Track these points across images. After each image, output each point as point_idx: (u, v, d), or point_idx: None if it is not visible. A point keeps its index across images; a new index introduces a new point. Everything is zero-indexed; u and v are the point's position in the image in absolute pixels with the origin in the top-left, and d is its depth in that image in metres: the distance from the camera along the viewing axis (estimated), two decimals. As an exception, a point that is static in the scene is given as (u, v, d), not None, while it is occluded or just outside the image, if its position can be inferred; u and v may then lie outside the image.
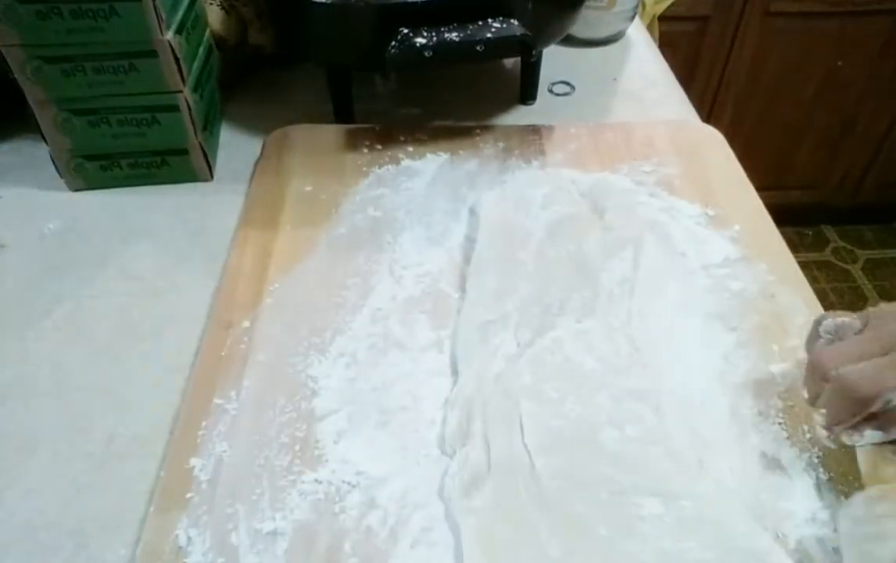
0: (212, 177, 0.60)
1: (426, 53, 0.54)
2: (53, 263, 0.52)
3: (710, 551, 0.34)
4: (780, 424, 0.41)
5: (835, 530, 0.35)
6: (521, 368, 0.42)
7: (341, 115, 0.66)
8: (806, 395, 0.37)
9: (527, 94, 0.70)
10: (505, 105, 0.70)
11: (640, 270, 0.48)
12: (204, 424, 0.40)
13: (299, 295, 0.48)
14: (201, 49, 0.60)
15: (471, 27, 0.55)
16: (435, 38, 0.54)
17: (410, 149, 0.61)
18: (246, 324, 0.46)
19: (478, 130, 0.63)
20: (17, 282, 0.51)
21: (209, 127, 0.61)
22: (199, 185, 0.60)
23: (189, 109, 0.55)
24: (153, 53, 0.51)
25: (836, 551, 0.34)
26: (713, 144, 0.63)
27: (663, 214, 0.54)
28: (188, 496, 0.37)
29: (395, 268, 0.50)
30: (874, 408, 0.33)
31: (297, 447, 0.39)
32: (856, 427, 0.34)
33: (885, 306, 0.37)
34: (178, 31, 0.53)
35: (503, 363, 0.43)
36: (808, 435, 0.40)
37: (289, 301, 0.48)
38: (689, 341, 0.45)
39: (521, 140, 0.62)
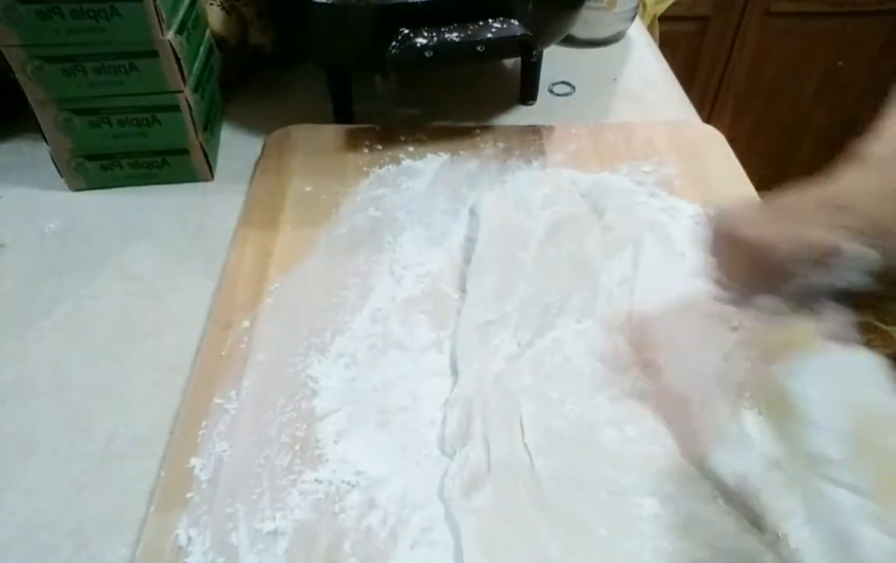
0: (212, 177, 0.60)
1: (426, 53, 0.54)
2: (53, 263, 0.52)
3: (708, 550, 0.34)
4: (780, 424, 0.40)
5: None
6: (521, 368, 0.42)
7: (341, 115, 0.66)
8: (715, 276, 0.36)
9: (527, 94, 0.70)
10: (505, 105, 0.70)
11: (640, 270, 0.48)
12: (204, 424, 0.40)
13: (299, 295, 0.48)
14: (202, 49, 0.60)
15: (471, 27, 0.55)
16: (435, 39, 0.54)
17: (411, 149, 0.61)
18: (246, 324, 0.46)
19: (478, 131, 0.63)
20: (17, 282, 0.51)
21: (210, 127, 0.61)
22: (200, 185, 0.60)
23: (190, 109, 0.55)
24: (154, 53, 0.51)
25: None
26: (713, 144, 0.63)
27: (663, 214, 0.54)
28: (188, 495, 0.37)
29: (395, 268, 0.50)
30: (774, 261, 0.33)
31: (297, 447, 0.39)
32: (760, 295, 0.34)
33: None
34: (179, 31, 0.53)
35: (503, 363, 0.43)
36: (808, 435, 0.40)
37: (289, 301, 0.48)
38: (689, 341, 0.45)
39: (522, 140, 0.62)
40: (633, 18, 0.81)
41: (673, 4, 1.11)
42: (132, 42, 0.51)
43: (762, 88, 1.60)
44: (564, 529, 0.35)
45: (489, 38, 0.55)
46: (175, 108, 0.55)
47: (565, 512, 0.35)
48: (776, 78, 1.59)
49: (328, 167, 0.59)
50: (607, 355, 0.43)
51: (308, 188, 0.57)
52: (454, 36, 0.54)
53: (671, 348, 0.45)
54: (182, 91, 0.54)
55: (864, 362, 0.31)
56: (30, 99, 0.52)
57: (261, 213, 0.55)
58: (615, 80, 0.75)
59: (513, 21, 0.56)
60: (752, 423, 0.40)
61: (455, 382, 0.43)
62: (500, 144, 0.62)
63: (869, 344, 0.33)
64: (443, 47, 0.54)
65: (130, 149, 0.57)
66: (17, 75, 0.51)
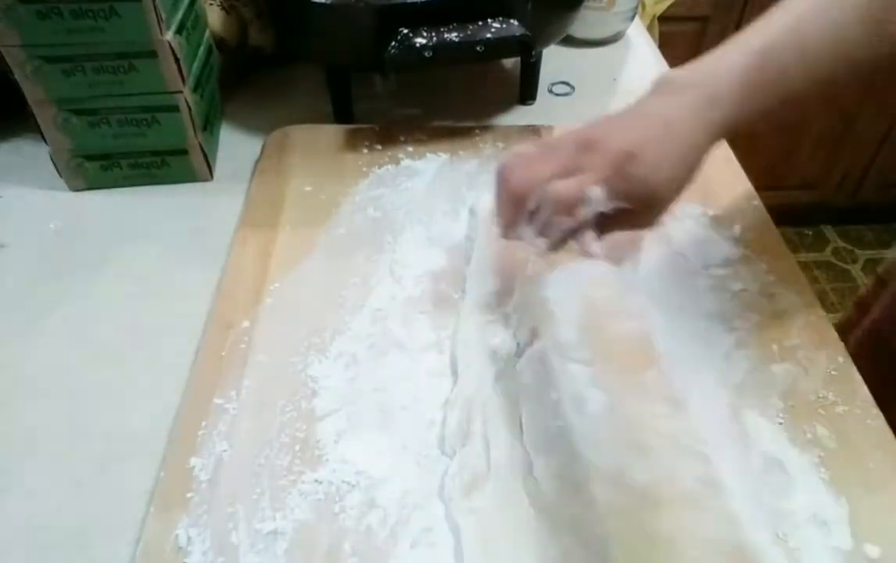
0: (212, 177, 0.60)
1: (426, 53, 0.54)
2: (53, 263, 0.52)
3: (707, 551, 0.34)
4: (780, 424, 0.41)
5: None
6: (522, 368, 0.42)
7: (341, 115, 0.66)
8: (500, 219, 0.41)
9: (526, 94, 0.70)
10: (505, 105, 0.70)
11: (641, 270, 0.48)
12: (204, 424, 0.40)
13: (299, 295, 0.48)
14: (201, 49, 0.60)
15: (471, 27, 0.55)
16: (435, 39, 0.54)
17: (410, 149, 0.61)
18: (246, 324, 0.46)
19: (477, 131, 0.63)
20: (17, 282, 0.51)
21: (209, 127, 0.61)
22: (199, 185, 0.60)
23: (189, 109, 0.55)
24: (153, 54, 0.51)
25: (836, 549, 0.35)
26: (713, 144, 0.63)
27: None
28: (188, 495, 0.37)
29: (395, 268, 0.50)
30: (530, 206, 0.39)
31: (297, 447, 0.39)
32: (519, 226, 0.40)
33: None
34: (178, 32, 0.53)
35: (503, 364, 0.43)
36: (808, 435, 0.40)
37: (289, 301, 0.48)
38: (689, 342, 0.45)
39: (521, 140, 0.62)
40: (632, 18, 0.81)
41: (673, 4, 1.11)
42: (131, 42, 0.51)
43: (762, 88, 1.60)
44: (564, 529, 0.35)
45: (488, 38, 0.55)
46: (174, 108, 0.55)
47: (565, 513, 0.35)
48: (776, 78, 1.59)
49: (328, 167, 0.59)
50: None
51: (308, 188, 0.57)
52: (453, 36, 0.54)
53: (671, 349, 0.45)
54: (181, 91, 0.54)
55: (596, 268, 0.39)
56: (29, 99, 0.52)
57: (260, 213, 0.55)
58: (615, 80, 0.75)
59: (512, 21, 0.56)
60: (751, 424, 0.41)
61: (455, 382, 0.43)
62: (500, 144, 0.62)
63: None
64: (442, 47, 0.54)
65: (130, 149, 0.57)
66: (16, 75, 0.51)
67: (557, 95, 0.73)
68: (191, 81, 0.55)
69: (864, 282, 1.81)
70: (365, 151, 0.61)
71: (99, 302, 0.49)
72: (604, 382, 0.34)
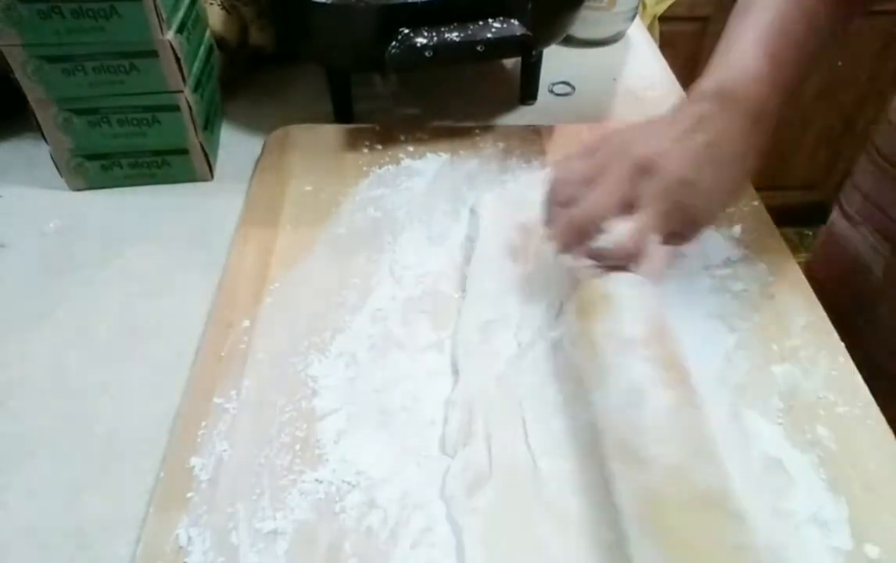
0: (212, 177, 0.60)
1: (426, 53, 0.54)
2: (54, 263, 0.52)
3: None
4: (780, 424, 0.41)
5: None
6: (523, 368, 0.42)
7: (341, 115, 0.66)
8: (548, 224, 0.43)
9: (527, 94, 0.70)
10: (505, 105, 0.70)
11: (641, 269, 0.48)
12: (204, 423, 0.40)
13: (299, 295, 0.48)
14: (202, 49, 0.60)
15: (471, 27, 0.55)
16: (435, 38, 0.54)
17: (410, 149, 0.61)
18: (246, 324, 0.46)
19: (478, 131, 0.63)
20: (17, 282, 0.51)
21: (210, 127, 0.61)
22: (200, 185, 0.60)
23: (189, 108, 0.55)
24: (154, 53, 0.51)
25: None
26: (713, 145, 0.63)
27: (663, 214, 0.54)
28: (188, 495, 0.37)
29: (395, 268, 0.50)
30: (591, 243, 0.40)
31: (297, 447, 0.39)
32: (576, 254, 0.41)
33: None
34: (179, 31, 0.53)
35: (504, 364, 0.43)
36: (808, 436, 0.40)
37: (289, 301, 0.48)
38: (689, 342, 0.45)
39: (522, 140, 0.62)
40: (632, 18, 0.81)
41: (673, 4, 1.11)
42: (132, 42, 0.51)
43: (762, 88, 1.60)
44: (567, 530, 0.35)
45: (489, 38, 0.55)
46: (175, 107, 0.55)
47: (568, 514, 0.35)
48: (776, 78, 1.59)
49: (328, 167, 0.59)
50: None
51: (308, 188, 0.57)
52: (454, 36, 0.54)
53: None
54: (182, 91, 0.54)
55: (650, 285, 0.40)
56: (29, 99, 0.52)
57: (261, 213, 0.55)
58: (615, 80, 0.75)
59: (513, 21, 0.56)
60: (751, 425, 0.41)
61: (455, 382, 0.43)
62: (500, 144, 0.62)
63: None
64: (443, 47, 0.54)
65: (130, 149, 0.57)
66: (16, 75, 0.51)
67: (558, 94, 0.73)
68: (191, 81, 0.55)
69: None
70: (365, 150, 0.61)
71: (99, 302, 0.49)
72: (668, 381, 0.35)
